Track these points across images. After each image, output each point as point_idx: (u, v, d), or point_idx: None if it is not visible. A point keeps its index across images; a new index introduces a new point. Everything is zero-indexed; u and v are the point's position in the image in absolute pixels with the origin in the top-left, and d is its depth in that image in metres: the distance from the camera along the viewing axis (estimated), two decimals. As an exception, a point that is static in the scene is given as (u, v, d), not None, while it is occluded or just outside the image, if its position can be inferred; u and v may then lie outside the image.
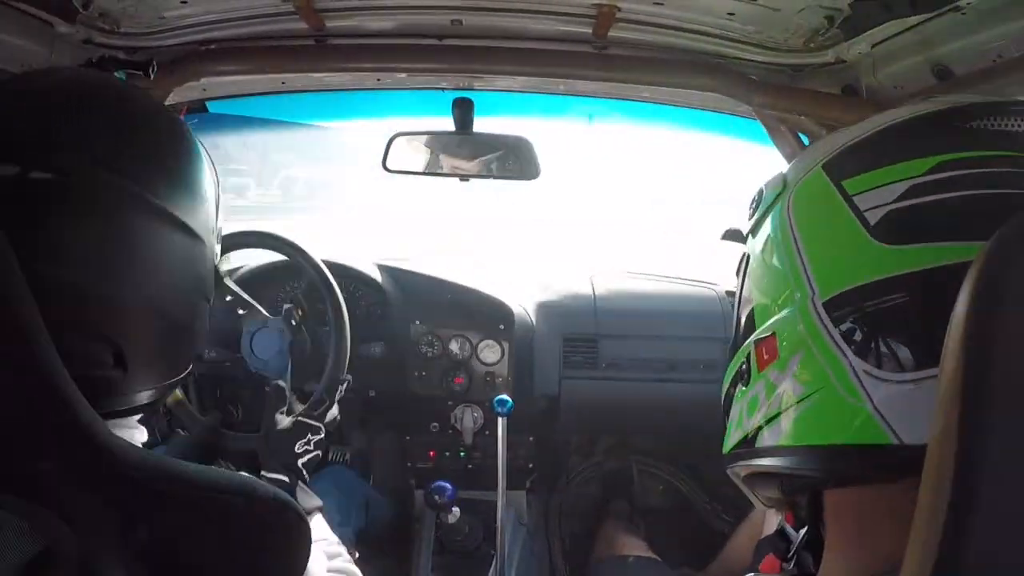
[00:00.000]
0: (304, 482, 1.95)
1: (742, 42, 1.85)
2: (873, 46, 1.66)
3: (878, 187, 0.80)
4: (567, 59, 1.96)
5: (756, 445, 0.90)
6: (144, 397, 1.02)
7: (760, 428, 0.89)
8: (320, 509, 1.84)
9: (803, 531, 0.95)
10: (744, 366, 0.94)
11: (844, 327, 0.79)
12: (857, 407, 0.76)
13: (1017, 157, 0.76)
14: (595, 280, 3.13)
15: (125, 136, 0.95)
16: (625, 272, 3.35)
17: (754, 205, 1.01)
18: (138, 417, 1.08)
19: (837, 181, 0.85)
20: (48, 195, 0.87)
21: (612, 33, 1.84)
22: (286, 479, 1.91)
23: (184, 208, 0.98)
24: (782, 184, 0.94)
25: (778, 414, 0.85)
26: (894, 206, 0.78)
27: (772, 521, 1.78)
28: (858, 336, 0.78)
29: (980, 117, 0.79)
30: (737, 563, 2.35)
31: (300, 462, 1.97)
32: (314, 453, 2.01)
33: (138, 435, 1.06)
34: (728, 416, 1.00)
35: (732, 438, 0.96)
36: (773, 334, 0.88)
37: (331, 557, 1.60)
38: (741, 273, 1.03)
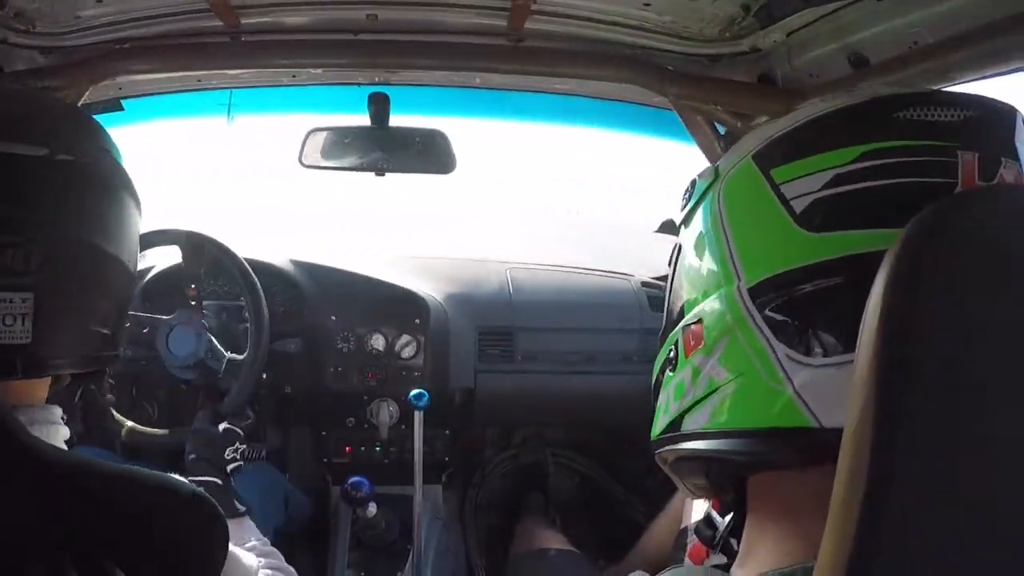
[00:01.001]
0: (231, 486, 1.94)
1: (658, 32, 1.86)
2: (788, 34, 1.68)
3: (804, 176, 0.81)
4: (483, 52, 1.97)
5: (681, 429, 0.91)
6: (61, 365, 1.05)
7: (685, 412, 0.90)
8: (248, 512, 1.82)
9: (728, 517, 0.97)
10: (672, 353, 0.95)
11: (768, 312, 0.81)
12: (778, 391, 0.78)
13: (939, 146, 0.77)
14: (511, 273, 3.14)
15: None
16: (541, 265, 3.37)
17: (686, 196, 1.01)
18: (59, 412, 1.07)
19: (766, 171, 0.85)
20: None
21: (528, 25, 1.85)
22: (218, 481, 1.89)
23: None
24: (713, 175, 0.95)
25: (703, 398, 0.87)
26: (819, 194, 0.80)
27: (691, 511, 1.81)
28: (781, 321, 0.80)
29: (905, 107, 0.79)
30: (655, 553, 2.38)
31: (229, 468, 1.96)
32: (240, 463, 2.01)
33: (62, 431, 1.05)
34: (656, 402, 1.00)
35: (660, 423, 0.97)
36: (699, 320, 0.89)
37: (264, 556, 1.60)
38: (673, 263, 1.04)
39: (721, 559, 1.00)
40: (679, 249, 1.01)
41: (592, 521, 3.19)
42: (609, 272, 3.26)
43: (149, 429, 2.26)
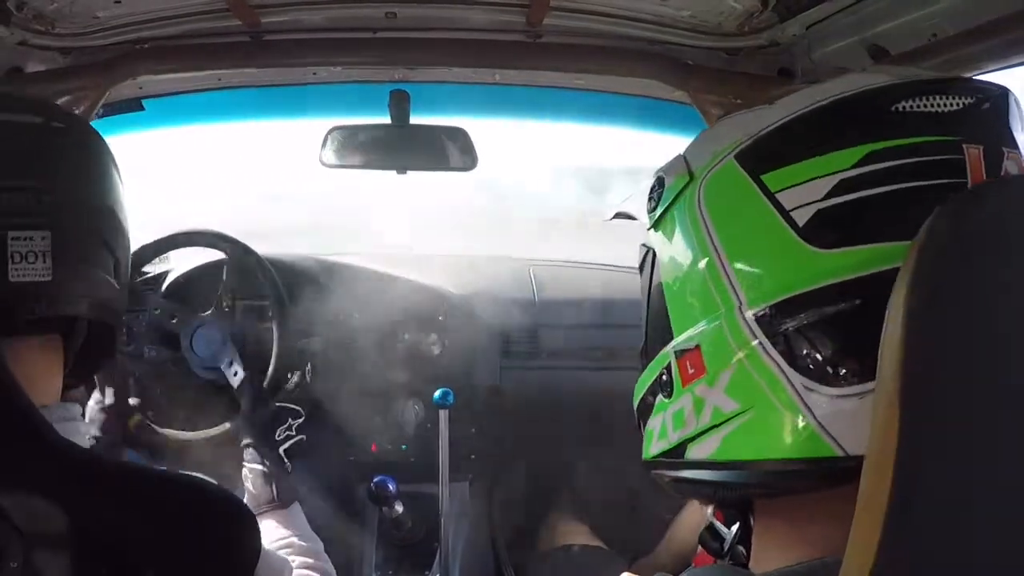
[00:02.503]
0: (286, 470, 1.92)
1: (677, 27, 1.86)
2: (808, 27, 1.67)
3: (803, 182, 0.75)
4: (502, 49, 1.97)
5: (685, 458, 0.86)
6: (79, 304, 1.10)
7: (688, 441, 0.85)
8: (298, 500, 1.83)
9: (735, 528, 0.95)
10: (665, 377, 0.89)
11: (778, 340, 0.75)
12: (799, 422, 0.73)
13: (945, 142, 0.73)
14: (533, 270, 3.14)
15: None
16: (563, 262, 3.36)
17: (654, 196, 0.93)
18: (78, 410, 1.08)
19: (756, 175, 0.78)
20: None
21: (547, 21, 1.85)
22: (263, 469, 1.87)
23: None
24: (687, 176, 0.87)
25: (709, 429, 0.81)
26: (823, 204, 0.74)
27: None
28: (795, 349, 0.74)
29: (904, 98, 0.74)
30: (681, 547, 2.37)
31: (282, 449, 1.95)
32: (297, 438, 2.01)
33: (83, 428, 1.06)
34: (645, 423, 0.96)
35: (654, 447, 0.92)
36: (697, 347, 0.82)
37: (301, 554, 1.60)
38: (648, 272, 0.98)
39: (730, 564, 0.98)
40: (652, 256, 0.96)
41: (619, 516, 3.17)
42: (629, 268, 3.25)
43: (180, 433, 2.28)
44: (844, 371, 0.72)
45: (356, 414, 2.86)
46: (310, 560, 1.58)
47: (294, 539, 1.67)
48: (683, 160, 0.90)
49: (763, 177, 0.78)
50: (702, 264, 0.82)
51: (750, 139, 0.81)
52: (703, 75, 1.95)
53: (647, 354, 0.97)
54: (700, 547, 1.05)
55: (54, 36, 1.78)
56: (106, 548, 0.87)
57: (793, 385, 0.74)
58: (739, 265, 0.79)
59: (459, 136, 2.32)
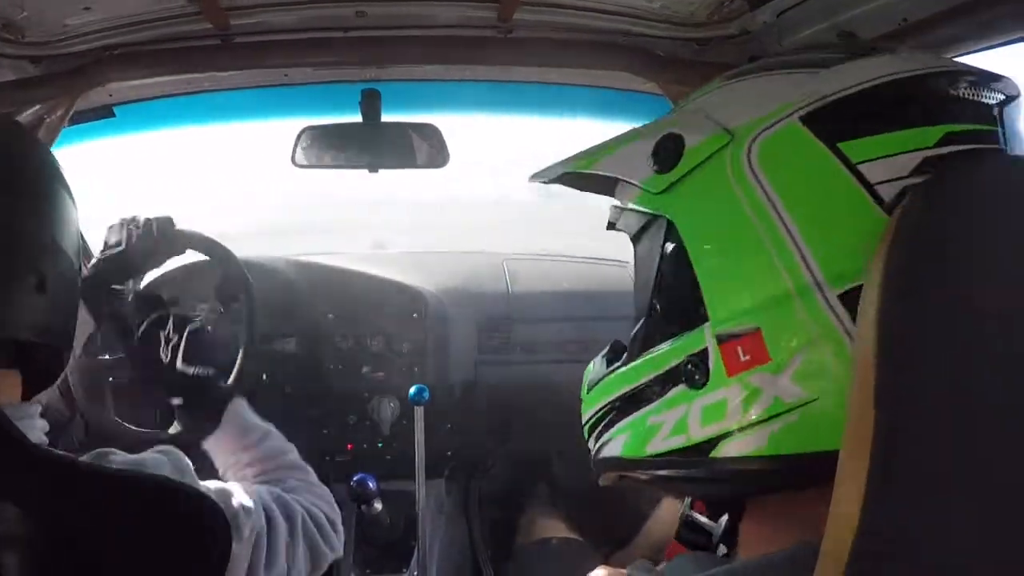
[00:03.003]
0: (203, 381, 1.81)
1: (647, 18, 1.86)
2: (778, 15, 1.65)
3: (886, 156, 0.71)
4: (473, 45, 1.97)
5: (713, 455, 0.78)
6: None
7: (723, 436, 0.77)
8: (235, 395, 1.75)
9: (723, 521, 0.91)
10: (692, 365, 0.80)
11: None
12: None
13: (988, 131, 0.74)
14: (507, 264, 3.15)
15: None
16: (537, 255, 3.37)
17: (664, 156, 0.83)
18: (37, 409, 1.07)
19: (831, 142, 0.73)
20: None
21: (517, 16, 1.85)
22: (208, 371, 1.79)
23: None
24: (723, 132, 0.80)
25: (759, 423, 0.75)
26: (910, 181, 0.70)
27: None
28: None
29: (967, 85, 0.74)
30: (659, 539, 2.39)
31: (179, 363, 1.81)
32: (184, 334, 1.86)
33: (38, 424, 1.05)
34: (624, 418, 0.88)
35: (658, 445, 0.83)
36: (758, 330, 0.75)
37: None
38: (651, 241, 0.89)
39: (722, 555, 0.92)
40: (666, 225, 0.85)
41: (596, 509, 3.18)
42: (604, 260, 3.27)
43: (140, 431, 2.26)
44: None
45: (332, 413, 2.86)
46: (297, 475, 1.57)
47: (290, 456, 1.66)
48: (708, 118, 0.83)
49: (840, 145, 0.73)
50: (763, 235, 0.75)
51: (816, 102, 0.76)
52: (674, 66, 1.96)
53: (646, 339, 0.88)
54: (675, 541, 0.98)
55: (24, 45, 1.76)
56: (74, 549, 0.87)
57: None
58: (816, 238, 0.73)
59: (430, 133, 2.32)
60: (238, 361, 2.18)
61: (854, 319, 0.68)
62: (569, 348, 2.94)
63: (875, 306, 0.61)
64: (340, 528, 1.51)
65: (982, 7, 1.27)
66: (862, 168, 0.71)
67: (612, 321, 2.93)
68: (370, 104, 2.21)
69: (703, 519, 0.94)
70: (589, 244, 3.33)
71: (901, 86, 0.74)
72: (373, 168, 2.35)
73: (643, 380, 0.86)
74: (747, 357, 0.75)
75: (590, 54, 1.96)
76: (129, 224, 2.12)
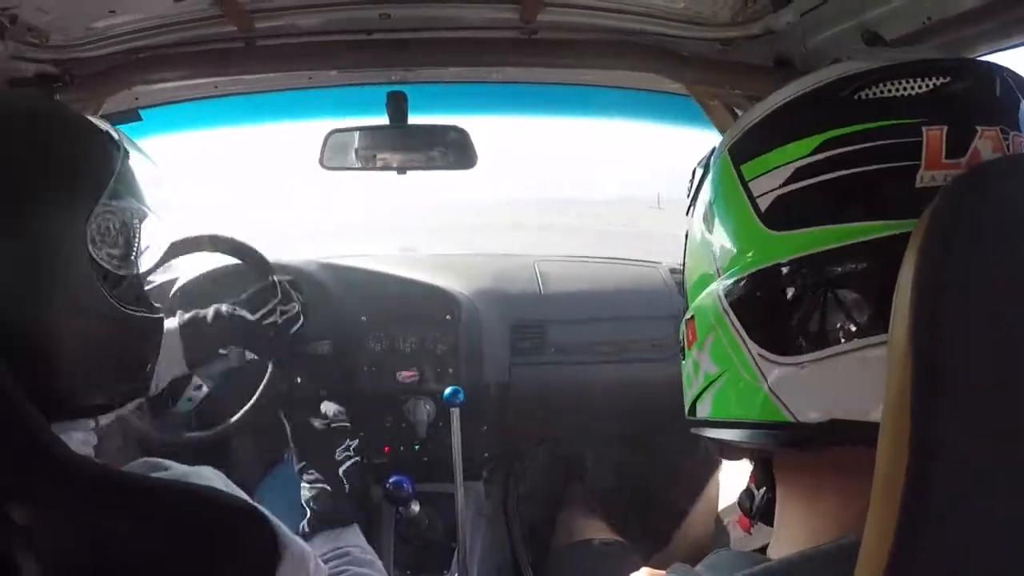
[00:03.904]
0: (344, 491, 1.87)
1: (670, 19, 1.84)
2: (801, 15, 1.64)
3: (768, 171, 0.81)
4: (497, 46, 1.96)
5: (696, 415, 0.93)
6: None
7: (696, 400, 0.93)
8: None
9: (762, 491, 0.97)
10: (682, 343, 0.97)
11: (741, 312, 0.82)
12: (757, 387, 0.79)
13: (901, 125, 0.74)
14: (539, 266, 3.15)
15: None
16: (568, 257, 3.37)
17: (690, 183, 1.00)
18: (91, 424, 1.07)
19: (737, 167, 0.85)
20: None
21: (541, 17, 1.84)
22: (327, 487, 1.84)
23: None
24: (705, 165, 0.95)
25: (703, 389, 0.89)
26: (781, 191, 0.79)
27: (730, 492, 1.81)
28: (752, 321, 0.81)
29: (869, 85, 0.77)
30: (695, 537, 2.38)
31: (341, 470, 1.90)
32: (355, 459, 1.94)
33: (82, 436, 1.05)
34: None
35: (686, 405, 0.98)
36: (693, 316, 0.91)
37: (356, 563, 1.59)
38: (683, 249, 1.03)
39: (763, 528, 0.99)
40: (686, 236, 1.01)
41: (633, 509, 3.18)
42: (636, 261, 3.26)
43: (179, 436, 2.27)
44: (792, 342, 0.77)
45: (367, 415, 2.87)
46: (365, 571, 1.57)
47: (351, 549, 1.66)
48: (713, 150, 0.95)
49: (742, 167, 0.85)
50: (702, 243, 0.92)
51: (741, 132, 0.88)
52: (699, 66, 1.94)
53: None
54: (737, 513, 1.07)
55: (48, 48, 1.77)
56: (121, 563, 0.87)
57: (751, 353, 0.80)
58: (719, 243, 0.87)
59: (458, 135, 2.32)
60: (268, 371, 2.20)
61: (735, 310, 0.82)
62: (603, 349, 2.93)
63: (908, 303, 0.62)
64: None
65: (1005, 7, 1.26)
66: (751, 184, 0.83)
67: (646, 321, 2.93)
68: (397, 106, 2.21)
69: (753, 488, 1.01)
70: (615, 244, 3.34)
71: (790, 106, 0.83)
72: (401, 170, 2.35)
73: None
74: (691, 336, 0.92)
75: (614, 55, 1.95)
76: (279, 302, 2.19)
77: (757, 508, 0.97)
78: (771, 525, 0.94)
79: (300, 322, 2.25)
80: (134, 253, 1.10)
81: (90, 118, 1.11)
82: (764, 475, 0.94)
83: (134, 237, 1.10)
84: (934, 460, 0.60)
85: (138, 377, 1.14)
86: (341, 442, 1.94)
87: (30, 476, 0.82)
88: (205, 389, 2.23)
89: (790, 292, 0.77)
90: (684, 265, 1.02)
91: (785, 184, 0.79)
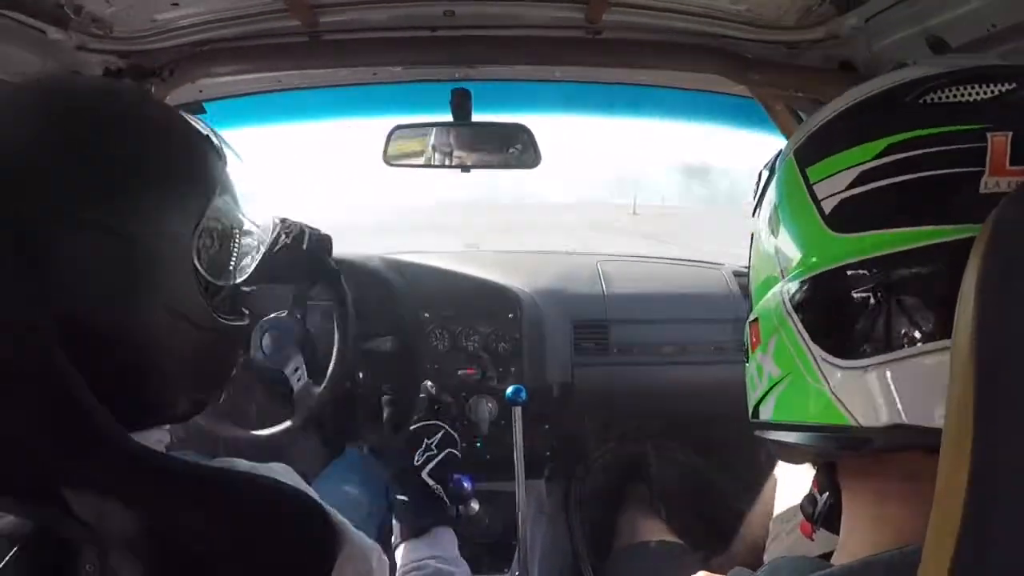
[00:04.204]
0: (434, 493, 1.82)
1: (736, 21, 1.85)
2: (866, 20, 1.64)
3: (833, 174, 0.81)
4: (562, 45, 1.97)
5: (759, 418, 0.94)
6: None
7: (759, 403, 0.93)
8: (450, 524, 1.79)
9: (825, 496, 0.96)
10: (746, 345, 0.97)
11: (804, 315, 0.82)
12: (820, 390, 0.80)
13: (966, 131, 0.74)
14: (601, 266, 3.14)
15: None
16: (631, 257, 3.35)
17: (756, 186, 1.01)
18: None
19: (803, 169, 0.85)
20: None
21: (606, 17, 1.85)
22: (404, 498, 1.78)
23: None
24: (771, 166, 0.95)
25: (767, 392, 0.90)
26: (846, 194, 0.79)
27: (785, 497, 1.78)
28: (816, 324, 0.81)
29: (935, 90, 0.78)
30: (752, 541, 2.35)
31: (426, 472, 1.83)
32: (441, 455, 1.88)
33: (156, 435, 1.05)
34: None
35: (750, 407, 0.98)
36: (757, 318, 0.92)
37: (434, 573, 1.58)
38: (750, 251, 1.03)
39: (826, 535, 0.99)
40: (752, 238, 1.02)
41: (695, 511, 3.15)
42: (699, 262, 3.23)
43: (239, 432, 2.30)
44: (855, 345, 0.77)
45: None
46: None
47: (429, 561, 1.62)
48: (778, 153, 0.96)
49: (808, 170, 0.85)
50: (768, 244, 0.92)
51: (806, 134, 0.89)
52: (763, 69, 1.95)
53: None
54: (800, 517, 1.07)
55: (112, 39, 1.80)
56: (180, 550, 0.87)
57: (814, 356, 0.81)
58: (783, 245, 0.88)
59: (522, 133, 2.31)
60: (331, 365, 2.21)
61: (798, 312, 0.83)
62: (666, 351, 2.91)
63: (971, 309, 0.61)
64: None
65: None
66: (816, 187, 0.83)
67: (709, 324, 2.91)
68: (461, 103, 2.21)
69: (816, 493, 1.00)
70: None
71: (856, 110, 0.84)
72: (464, 168, 2.35)
73: None
74: (754, 339, 0.93)
75: (679, 56, 1.96)
76: (283, 227, 2.16)
77: (819, 513, 0.97)
78: (831, 531, 0.95)
79: (307, 234, 2.20)
80: (233, 263, 1.09)
81: (190, 119, 1.10)
82: (827, 480, 0.94)
83: (234, 247, 1.09)
84: (996, 467, 0.59)
85: (223, 383, 1.15)
86: (419, 443, 1.86)
87: (88, 463, 0.82)
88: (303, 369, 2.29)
89: (853, 295, 0.77)
90: (749, 267, 1.02)
91: (850, 187, 0.79)
